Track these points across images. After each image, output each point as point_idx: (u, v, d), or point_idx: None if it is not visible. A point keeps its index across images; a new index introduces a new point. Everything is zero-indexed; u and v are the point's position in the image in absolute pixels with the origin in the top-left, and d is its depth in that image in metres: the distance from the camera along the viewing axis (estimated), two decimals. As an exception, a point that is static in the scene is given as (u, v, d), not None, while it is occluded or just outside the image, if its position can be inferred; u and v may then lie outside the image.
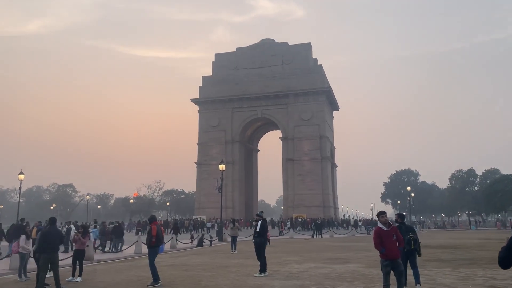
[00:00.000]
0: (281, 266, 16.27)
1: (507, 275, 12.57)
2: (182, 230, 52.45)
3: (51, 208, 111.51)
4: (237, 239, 26.10)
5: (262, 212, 16.26)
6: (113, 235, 26.56)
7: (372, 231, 51.02)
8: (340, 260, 18.69)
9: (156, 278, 12.15)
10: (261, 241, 14.38)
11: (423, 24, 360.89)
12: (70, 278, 13.21)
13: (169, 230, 48.14)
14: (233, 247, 24.84)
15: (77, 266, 13.31)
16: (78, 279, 13.08)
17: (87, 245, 15.16)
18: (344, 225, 67.28)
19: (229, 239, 28.37)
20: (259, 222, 14.77)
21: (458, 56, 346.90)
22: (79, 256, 13.41)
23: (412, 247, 10.42)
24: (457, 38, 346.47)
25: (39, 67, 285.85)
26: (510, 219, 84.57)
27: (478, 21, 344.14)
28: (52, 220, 12.10)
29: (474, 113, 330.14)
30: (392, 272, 8.83)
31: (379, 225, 9.19)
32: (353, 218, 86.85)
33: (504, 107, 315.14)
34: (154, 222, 13.13)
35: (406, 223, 11.38)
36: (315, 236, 42.66)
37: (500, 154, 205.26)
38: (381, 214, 9.33)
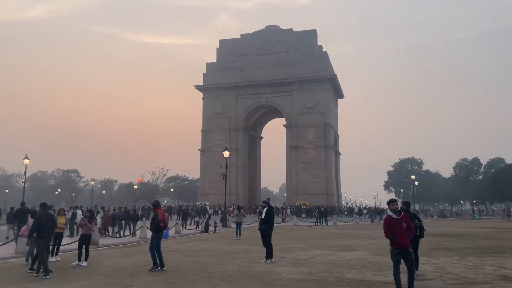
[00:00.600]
0: (287, 253, 16.23)
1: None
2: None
3: (56, 193, 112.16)
4: (242, 226, 26.18)
5: (269, 199, 16.15)
6: (129, 220, 27.22)
7: (376, 219, 50.82)
8: (346, 247, 18.62)
9: (155, 263, 12.13)
10: (266, 228, 14.30)
11: (431, 13, 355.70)
12: (76, 262, 13.23)
13: (176, 216, 48.81)
14: (238, 233, 24.95)
15: (83, 251, 13.34)
16: (84, 263, 13.10)
17: (93, 230, 15.18)
18: (346, 213, 67.33)
19: (234, 225, 28.43)
20: (265, 209, 14.68)
21: (465, 44, 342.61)
22: (85, 241, 13.42)
23: (418, 233, 10.52)
24: (464, 26, 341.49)
25: (43, 52, 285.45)
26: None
27: (486, 9, 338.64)
28: (44, 205, 12.65)
29: (480, 102, 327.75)
30: (402, 260, 8.71)
31: (389, 213, 9.04)
32: (356, 206, 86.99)
33: (510, 95, 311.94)
34: (158, 208, 13.12)
35: (411, 211, 11.41)
36: (318, 224, 42.74)
37: (505, 143, 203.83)
38: (391, 202, 9.16)
